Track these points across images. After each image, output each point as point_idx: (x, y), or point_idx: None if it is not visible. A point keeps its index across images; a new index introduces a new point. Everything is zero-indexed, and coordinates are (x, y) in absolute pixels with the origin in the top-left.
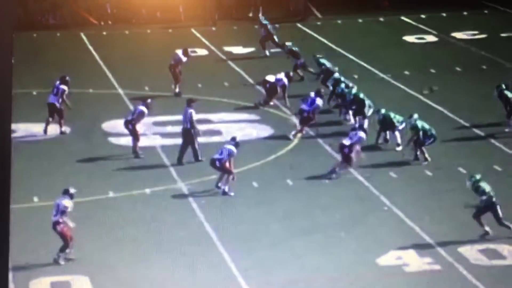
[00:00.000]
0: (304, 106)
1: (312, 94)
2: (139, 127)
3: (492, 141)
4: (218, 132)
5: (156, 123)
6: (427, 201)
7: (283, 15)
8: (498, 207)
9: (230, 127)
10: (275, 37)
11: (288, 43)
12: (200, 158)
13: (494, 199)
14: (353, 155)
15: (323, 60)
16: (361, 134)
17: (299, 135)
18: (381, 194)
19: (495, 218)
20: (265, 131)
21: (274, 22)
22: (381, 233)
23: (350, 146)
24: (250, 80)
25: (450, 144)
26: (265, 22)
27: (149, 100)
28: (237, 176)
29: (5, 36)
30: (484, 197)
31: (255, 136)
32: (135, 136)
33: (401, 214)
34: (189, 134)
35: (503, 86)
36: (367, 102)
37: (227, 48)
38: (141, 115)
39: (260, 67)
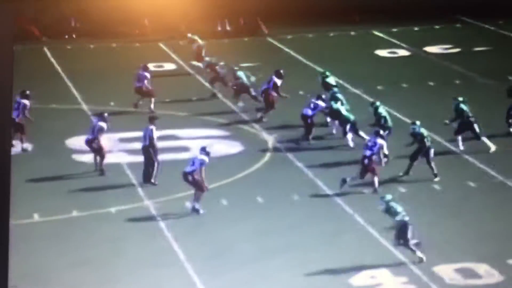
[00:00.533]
0: (307, 111)
1: (314, 99)
2: (104, 144)
3: (466, 156)
4: (185, 149)
5: (122, 140)
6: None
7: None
8: (410, 228)
9: (199, 143)
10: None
11: (208, 58)
12: (152, 180)
13: (406, 219)
14: (374, 165)
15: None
16: (380, 141)
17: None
18: (355, 212)
19: (402, 239)
20: (235, 147)
21: (239, 35)
22: (354, 252)
23: (370, 157)
24: (219, 95)
25: (424, 159)
26: (194, 37)
27: (105, 114)
28: (206, 195)
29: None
30: (397, 218)
31: (224, 153)
32: (100, 153)
33: (375, 232)
34: (147, 152)
35: (460, 99)
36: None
37: (195, 63)
38: (101, 130)
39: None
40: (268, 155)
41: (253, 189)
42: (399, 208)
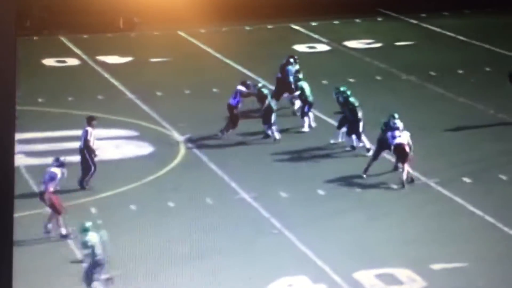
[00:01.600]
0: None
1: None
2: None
3: (387, 156)
4: None
5: (21, 141)
6: (320, 223)
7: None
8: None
9: (105, 144)
10: None
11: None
12: (85, 186)
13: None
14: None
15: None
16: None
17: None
18: (271, 216)
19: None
20: (144, 148)
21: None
22: (271, 258)
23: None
24: (128, 93)
25: (343, 160)
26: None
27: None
28: (112, 199)
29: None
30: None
31: (133, 154)
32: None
33: (292, 237)
34: (82, 154)
35: (348, 93)
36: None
37: (101, 58)
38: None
39: (138, 78)
40: (179, 156)
41: (164, 193)
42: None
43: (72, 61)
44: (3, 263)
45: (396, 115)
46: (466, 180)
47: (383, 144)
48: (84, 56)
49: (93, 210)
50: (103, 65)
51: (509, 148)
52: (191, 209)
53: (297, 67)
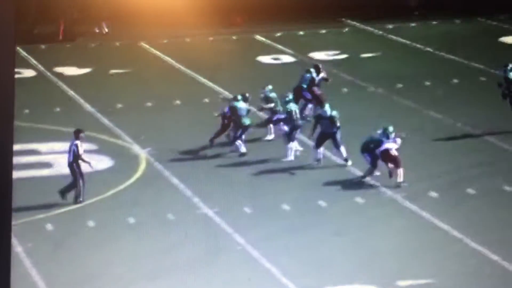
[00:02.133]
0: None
1: None
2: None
3: (353, 170)
4: (47, 165)
5: None
6: (286, 238)
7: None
8: None
9: (62, 158)
10: None
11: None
12: (80, 199)
13: None
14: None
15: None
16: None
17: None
18: (234, 232)
19: None
20: (103, 162)
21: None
22: (234, 275)
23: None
24: (87, 105)
25: (310, 174)
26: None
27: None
28: (70, 215)
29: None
30: None
31: (90, 169)
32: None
33: (256, 253)
34: (71, 168)
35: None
36: None
37: (58, 69)
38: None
39: (98, 90)
40: (140, 170)
41: (124, 209)
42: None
43: (28, 72)
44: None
45: (391, 128)
46: (433, 194)
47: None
48: (40, 67)
49: (49, 226)
50: (60, 76)
51: (477, 161)
52: (152, 225)
53: (317, 76)
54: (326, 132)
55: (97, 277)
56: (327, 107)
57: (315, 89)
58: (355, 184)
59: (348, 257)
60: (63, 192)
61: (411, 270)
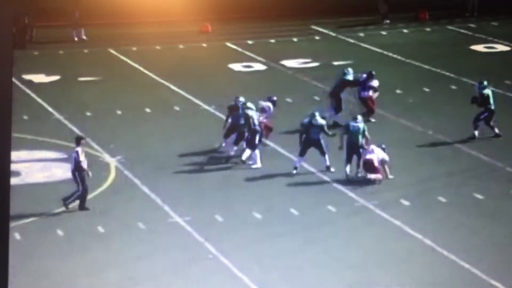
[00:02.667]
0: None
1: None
2: None
3: (325, 178)
4: (15, 173)
5: None
6: (257, 247)
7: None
8: None
9: (31, 166)
10: None
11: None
12: (85, 207)
13: None
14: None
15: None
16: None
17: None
18: (205, 241)
19: None
20: None
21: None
22: (206, 284)
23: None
24: (55, 113)
25: (282, 181)
26: None
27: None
28: (38, 224)
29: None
30: None
31: (61, 177)
32: None
33: (228, 262)
34: (74, 176)
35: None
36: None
37: (27, 77)
38: None
39: (66, 98)
40: (110, 179)
41: (94, 218)
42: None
43: None
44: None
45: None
46: (405, 202)
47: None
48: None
49: (17, 236)
50: (29, 84)
51: (448, 169)
52: (123, 234)
53: (371, 82)
54: (314, 139)
55: (66, 287)
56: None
57: (365, 93)
58: (327, 192)
59: (321, 266)
60: (80, 205)
61: (383, 278)
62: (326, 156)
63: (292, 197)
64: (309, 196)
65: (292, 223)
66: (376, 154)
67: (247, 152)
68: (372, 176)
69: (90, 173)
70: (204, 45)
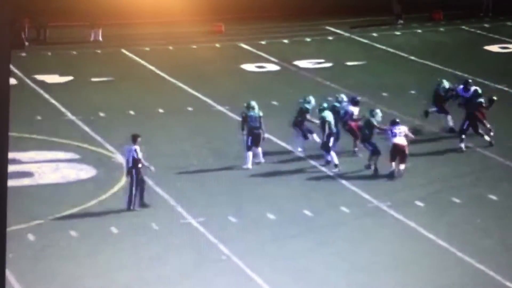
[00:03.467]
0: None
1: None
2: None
3: (342, 181)
4: (28, 174)
5: None
6: (270, 248)
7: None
8: None
9: (43, 167)
10: None
11: None
12: (132, 207)
13: None
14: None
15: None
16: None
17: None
18: (219, 242)
19: None
20: (86, 171)
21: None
22: (218, 285)
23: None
24: (68, 113)
25: (296, 182)
26: None
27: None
28: (51, 225)
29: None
30: None
31: (74, 178)
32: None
33: (240, 263)
34: (130, 174)
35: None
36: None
37: (39, 77)
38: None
39: (80, 97)
40: (123, 180)
41: (107, 218)
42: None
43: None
44: None
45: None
46: (418, 203)
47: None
48: (21, 75)
49: (30, 237)
50: (41, 84)
51: (462, 171)
52: (136, 235)
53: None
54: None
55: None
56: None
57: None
58: (340, 194)
59: (332, 268)
60: (140, 202)
61: (396, 280)
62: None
63: (305, 198)
64: (322, 197)
65: (305, 224)
66: (404, 135)
67: (333, 155)
68: (402, 167)
69: (152, 168)
70: (217, 45)
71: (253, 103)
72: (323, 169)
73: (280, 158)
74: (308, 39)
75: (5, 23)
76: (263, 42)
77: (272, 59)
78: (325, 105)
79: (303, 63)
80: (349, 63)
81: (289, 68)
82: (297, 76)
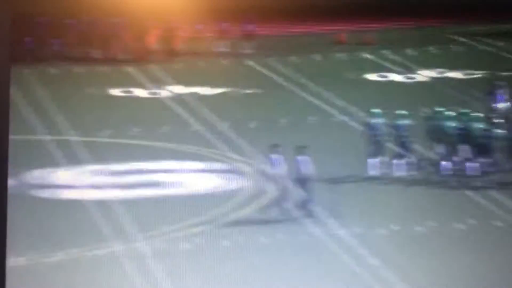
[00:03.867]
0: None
1: None
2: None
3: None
4: (181, 184)
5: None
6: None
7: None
8: None
9: (194, 177)
10: None
11: None
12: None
13: None
14: None
15: None
16: None
17: None
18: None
19: None
20: (236, 182)
21: None
22: None
23: None
24: (221, 124)
25: None
26: None
27: None
28: (205, 234)
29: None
30: None
31: (226, 188)
32: None
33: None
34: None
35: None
36: None
37: (192, 89)
38: None
39: (231, 108)
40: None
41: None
42: None
43: (138, 92)
44: None
45: None
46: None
47: None
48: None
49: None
50: (195, 96)
51: None
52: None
53: None
54: None
55: None
56: None
57: None
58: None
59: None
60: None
61: None
62: None
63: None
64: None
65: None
66: None
67: None
68: None
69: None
70: (339, 55)
71: None
72: None
73: None
74: (431, 48)
75: (5, 23)
76: (385, 51)
77: (395, 68)
78: None
79: (426, 73)
80: (475, 72)
81: (413, 78)
82: (421, 85)
